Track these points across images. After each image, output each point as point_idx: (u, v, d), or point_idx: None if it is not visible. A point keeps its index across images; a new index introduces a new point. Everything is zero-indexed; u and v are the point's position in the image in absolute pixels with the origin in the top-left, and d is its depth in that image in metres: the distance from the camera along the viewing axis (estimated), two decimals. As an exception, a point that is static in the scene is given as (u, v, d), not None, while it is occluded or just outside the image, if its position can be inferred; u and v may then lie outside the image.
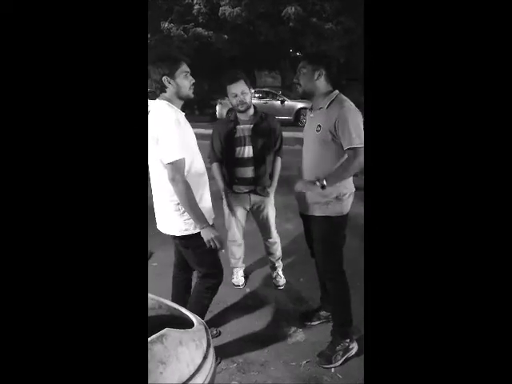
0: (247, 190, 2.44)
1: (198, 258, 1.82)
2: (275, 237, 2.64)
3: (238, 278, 2.72)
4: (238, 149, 2.35)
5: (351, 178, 1.89)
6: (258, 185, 2.41)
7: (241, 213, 2.55)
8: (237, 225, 2.58)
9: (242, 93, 2.24)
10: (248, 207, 2.53)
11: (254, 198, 2.47)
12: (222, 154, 2.41)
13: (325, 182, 1.75)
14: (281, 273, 2.72)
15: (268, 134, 2.38)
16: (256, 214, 2.58)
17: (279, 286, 2.67)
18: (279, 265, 2.72)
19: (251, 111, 2.35)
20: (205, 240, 1.69)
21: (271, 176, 2.48)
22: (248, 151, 2.35)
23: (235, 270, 2.74)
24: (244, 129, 2.34)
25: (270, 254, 2.68)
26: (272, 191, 2.50)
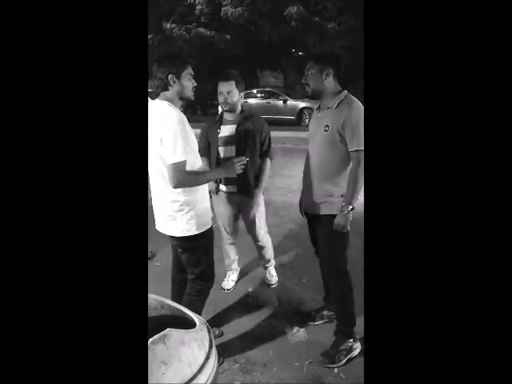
0: (233, 191, 2.42)
1: (195, 258, 1.82)
2: (264, 241, 2.62)
3: (228, 281, 2.69)
4: (220, 148, 2.34)
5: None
6: (241, 184, 2.38)
7: (230, 212, 2.53)
8: (228, 223, 2.57)
9: (228, 92, 2.22)
10: (235, 207, 2.51)
11: (239, 198, 2.45)
12: (207, 151, 2.41)
13: (350, 207, 1.76)
14: (273, 272, 2.74)
15: (252, 135, 2.34)
16: (243, 215, 2.55)
17: (271, 284, 2.69)
18: (270, 265, 2.73)
19: (237, 112, 2.35)
20: (236, 173, 1.81)
21: (257, 177, 2.44)
22: (231, 151, 2.33)
23: (228, 273, 2.72)
24: (228, 129, 2.33)
25: (260, 255, 2.69)
26: (258, 193, 2.46)
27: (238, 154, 2.28)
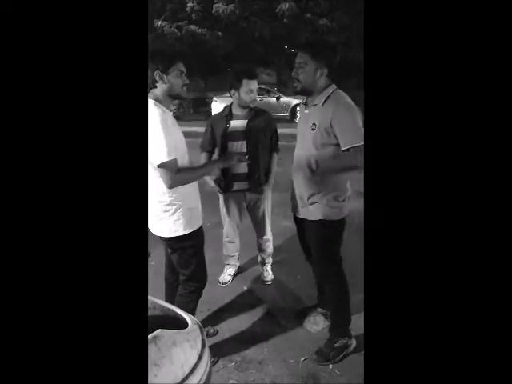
0: (242, 188, 2.41)
1: (185, 259, 1.79)
2: (269, 234, 2.65)
3: (225, 275, 2.71)
4: (230, 144, 2.32)
5: (348, 182, 1.84)
6: (252, 181, 2.39)
7: (236, 212, 2.53)
8: (231, 224, 2.57)
9: (256, 90, 2.25)
10: (245, 205, 2.52)
11: (249, 195, 2.46)
12: (211, 147, 2.40)
13: (314, 167, 1.73)
14: (269, 269, 2.74)
15: (263, 130, 2.34)
16: (252, 212, 2.56)
17: (267, 281, 2.69)
18: (269, 261, 2.74)
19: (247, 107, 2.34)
20: (232, 163, 1.81)
21: (267, 173, 2.45)
22: (241, 146, 2.32)
23: (226, 267, 2.74)
24: (238, 124, 2.31)
25: (261, 250, 2.69)
26: (268, 188, 2.48)
27: (249, 148, 2.30)
